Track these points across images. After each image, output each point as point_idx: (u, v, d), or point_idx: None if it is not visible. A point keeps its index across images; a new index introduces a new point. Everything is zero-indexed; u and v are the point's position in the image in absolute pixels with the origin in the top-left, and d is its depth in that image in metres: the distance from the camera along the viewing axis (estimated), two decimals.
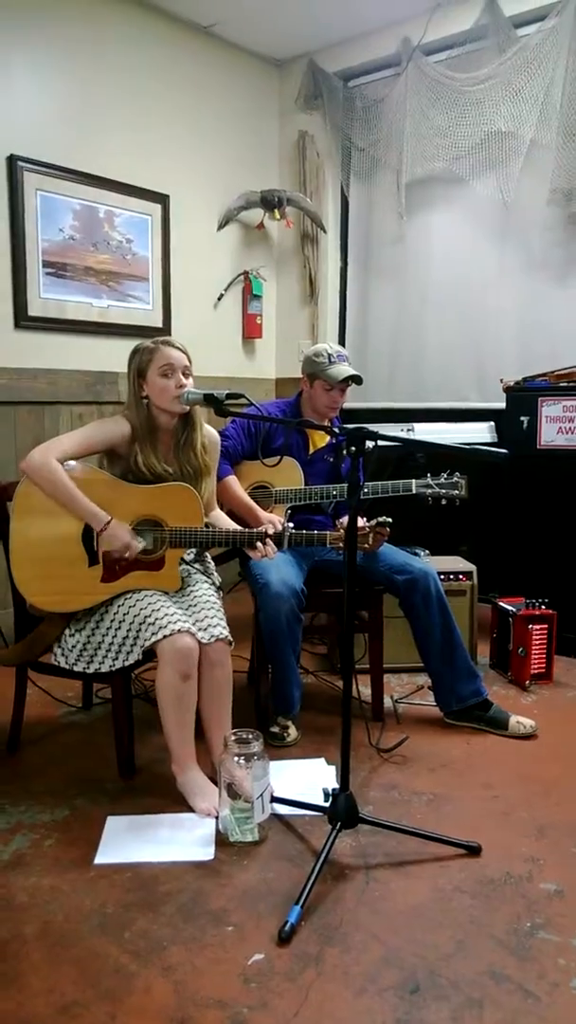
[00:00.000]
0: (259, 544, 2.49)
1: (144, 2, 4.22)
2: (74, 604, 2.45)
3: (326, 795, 2.14)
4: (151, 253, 4.41)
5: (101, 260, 4.16)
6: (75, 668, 2.47)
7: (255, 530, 2.53)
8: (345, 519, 2.52)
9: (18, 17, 3.70)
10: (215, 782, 2.32)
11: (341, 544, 2.54)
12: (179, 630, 2.30)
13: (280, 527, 2.55)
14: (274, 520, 2.83)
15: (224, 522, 2.72)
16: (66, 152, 3.94)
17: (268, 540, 2.49)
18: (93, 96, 4.06)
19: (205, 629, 2.41)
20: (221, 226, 4.76)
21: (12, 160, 3.72)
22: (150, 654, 2.37)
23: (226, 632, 2.45)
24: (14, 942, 1.80)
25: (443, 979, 1.67)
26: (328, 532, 2.58)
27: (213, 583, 2.65)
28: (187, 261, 4.61)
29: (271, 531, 2.52)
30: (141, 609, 2.36)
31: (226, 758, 2.17)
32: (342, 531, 2.54)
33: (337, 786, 2.13)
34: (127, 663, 2.40)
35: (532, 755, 2.72)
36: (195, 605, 2.49)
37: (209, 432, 2.66)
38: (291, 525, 2.57)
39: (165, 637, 2.28)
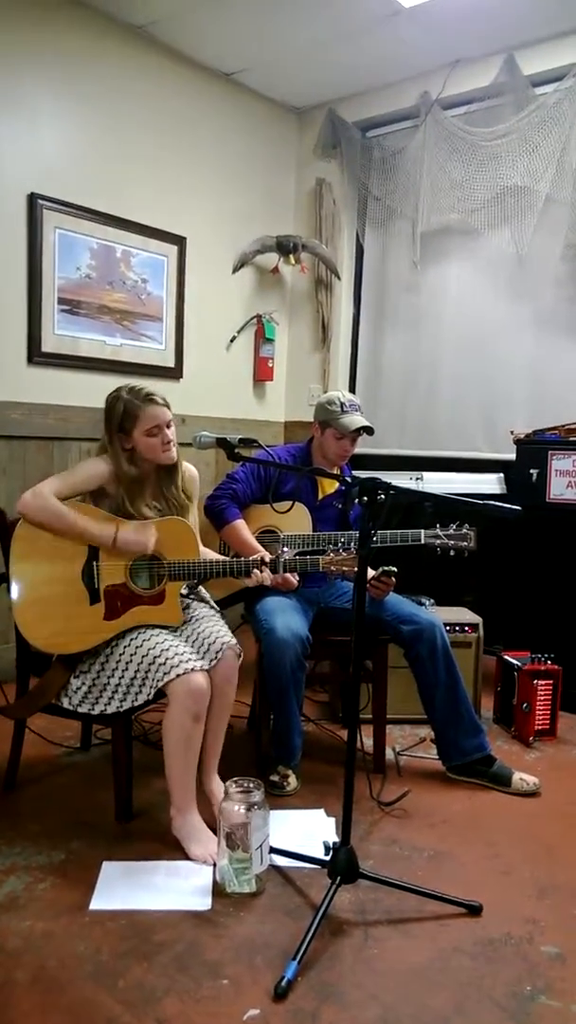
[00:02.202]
0: (255, 572, 2.53)
1: (168, 48, 4.32)
2: (77, 644, 2.44)
3: (327, 848, 2.11)
4: (166, 294, 4.46)
5: (116, 299, 4.21)
6: (79, 710, 2.46)
7: (250, 558, 2.58)
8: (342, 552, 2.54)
9: (43, 59, 3.78)
10: (212, 829, 2.31)
11: (333, 568, 2.55)
12: (191, 669, 2.30)
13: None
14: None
15: (211, 556, 2.73)
16: (86, 192, 4.00)
17: (263, 567, 2.54)
18: (114, 137, 4.13)
19: (214, 642, 2.44)
20: (236, 269, 4.82)
21: (32, 198, 3.78)
22: (157, 694, 2.36)
23: (233, 639, 2.48)
24: (6, 987, 1.77)
25: None
26: (320, 558, 2.58)
27: (211, 606, 2.69)
28: (201, 303, 4.66)
29: (266, 558, 2.57)
30: (149, 649, 2.35)
31: (226, 807, 2.15)
32: (333, 556, 2.55)
33: (337, 839, 2.11)
34: (135, 703, 2.39)
35: (534, 813, 2.69)
36: (194, 620, 2.54)
37: (188, 469, 2.70)
38: (286, 550, 2.61)
39: (178, 676, 2.28)
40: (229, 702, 2.53)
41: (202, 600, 2.72)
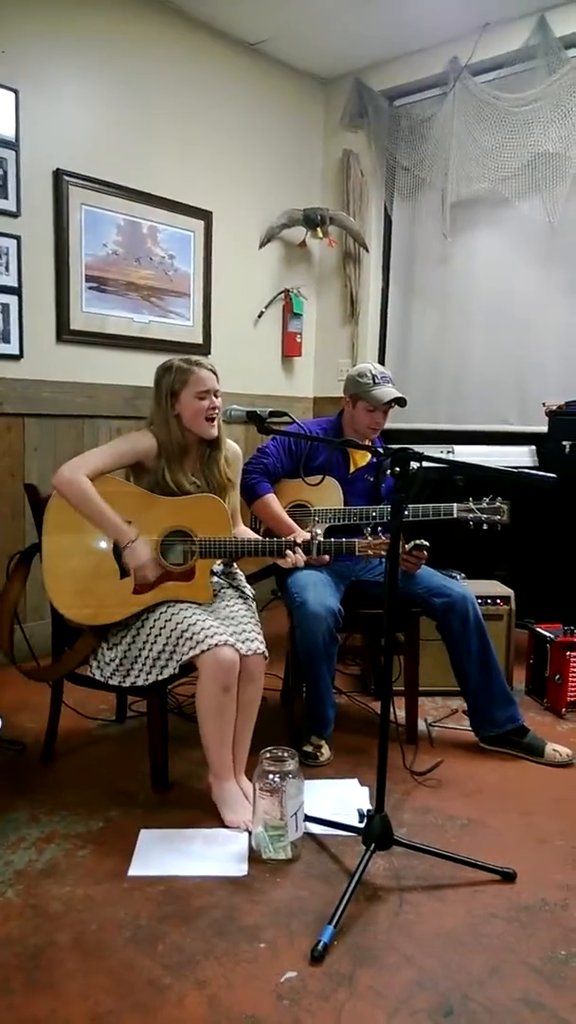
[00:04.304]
0: (288, 552, 2.53)
1: (192, 19, 4.28)
2: (106, 617, 2.47)
3: (361, 816, 2.12)
4: (193, 269, 4.45)
5: (143, 275, 4.21)
6: (111, 682, 2.49)
7: (284, 538, 2.58)
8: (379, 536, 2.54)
9: (67, 34, 3.76)
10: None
11: (370, 552, 2.56)
12: (219, 643, 2.31)
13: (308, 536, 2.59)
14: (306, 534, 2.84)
15: (249, 536, 2.74)
16: (112, 167, 4.00)
17: (297, 548, 2.53)
18: (139, 112, 4.11)
19: (244, 643, 2.43)
20: (263, 243, 4.80)
21: (58, 174, 3.77)
22: (187, 668, 2.38)
23: (263, 647, 2.47)
24: (49, 949, 1.82)
25: (477, 1004, 1.66)
26: (356, 540, 2.59)
27: (243, 595, 2.68)
28: (228, 278, 4.65)
29: (300, 539, 2.56)
30: (178, 623, 2.38)
31: (261, 776, 2.17)
32: (371, 539, 2.56)
33: (371, 807, 2.13)
34: (161, 677, 2.41)
35: (568, 783, 2.69)
36: (232, 618, 2.52)
37: (231, 446, 2.69)
38: (320, 532, 2.59)
39: (204, 652, 2.30)
40: (250, 700, 2.48)
41: (237, 588, 2.71)
